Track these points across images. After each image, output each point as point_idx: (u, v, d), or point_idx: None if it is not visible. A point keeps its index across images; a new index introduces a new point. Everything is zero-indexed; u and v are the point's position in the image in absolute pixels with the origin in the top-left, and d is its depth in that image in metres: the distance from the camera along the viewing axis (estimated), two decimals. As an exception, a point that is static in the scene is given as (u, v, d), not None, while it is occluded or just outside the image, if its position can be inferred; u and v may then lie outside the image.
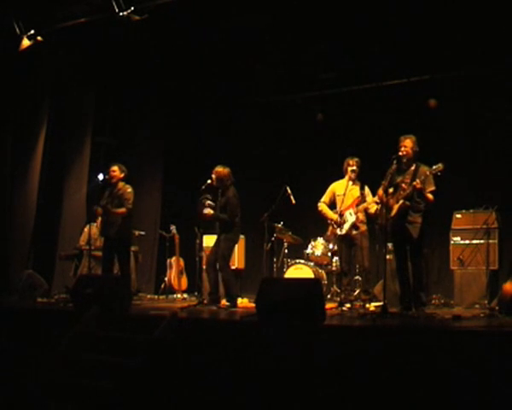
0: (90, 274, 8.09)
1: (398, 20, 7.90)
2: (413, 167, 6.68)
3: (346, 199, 7.86)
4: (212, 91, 10.26)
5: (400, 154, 6.66)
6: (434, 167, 6.42)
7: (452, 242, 8.16)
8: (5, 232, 9.35)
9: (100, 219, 8.33)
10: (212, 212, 7.67)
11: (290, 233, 9.16)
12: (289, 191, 8.66)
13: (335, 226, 7.88)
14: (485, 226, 7.67)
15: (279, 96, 10.37)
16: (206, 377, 5.69)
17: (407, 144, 6.71)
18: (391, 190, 6.71)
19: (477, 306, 7.60)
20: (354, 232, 7.85)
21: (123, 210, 7.82)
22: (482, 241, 7.77)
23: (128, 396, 5.52)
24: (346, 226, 7.81)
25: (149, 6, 7.54)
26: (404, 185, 6.60)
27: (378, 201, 7.09)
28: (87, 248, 8.51)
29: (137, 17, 7.52)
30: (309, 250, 8.92)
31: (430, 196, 6.57)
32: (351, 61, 9.13)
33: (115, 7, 7.49)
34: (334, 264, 8.70)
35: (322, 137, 10.13)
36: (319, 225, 8.92)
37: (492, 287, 7.65)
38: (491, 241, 7.67)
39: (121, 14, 7.47)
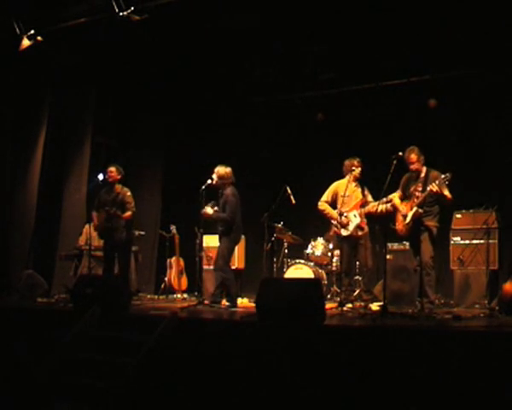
0: (90, 274, 8.08)
1: (398, 20, 7.90)
2: (423, 173, 6.95)
3: (348, 200, 7.86)
4: (212, 91, 10.25)
5: (414, 168, 6.94)
6: (443, 177, 6.64)
7: (452, 242, 8.15)
8: (5, 232, 9.35)
9: (96, 222, 8.25)
10: (210, 211, 7.67)
11: (290, 233, 9.15)
12: (289, 191, 8.65)
13: (339, 227, 7.85)
14: (485, 226, 7.67)
15: (279, 96, 10.36)
16: (205, 377, 5.70)
17: (414, 158, 6.93)
18: (397, 193, 7.13)
19: (477, 306, 7.59)
20: (360, 233, 7.84)
21: (129, 214, 7.98)
22: (482, 241, 7.76)
23: (128, 396, 5.52)
24: (351, 228, 7.80)
25: (149, 6, 7.54)
26: (417, 193, 6.85)
27: (386, 200, 7.20)
28: (87, 248, 8.51)
29: (137, 17, 7.53)
30: (309, 250, 8.91)
31: (448, 194, 6.75)
32: (351, 61, 9.13)
33: (115, 7, 7.49)
34: (334, 264, 8.70)
35: (322, 137, 10.13)
36: (319, 225, 8.92)
37: (492, 287, 7.65)
38: (491, 241, 7.66)
39: (121, 14, 7.47)
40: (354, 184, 7.96)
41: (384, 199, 7.17)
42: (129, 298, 7.68)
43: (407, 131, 8.89)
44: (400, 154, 6.81)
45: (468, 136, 8.97)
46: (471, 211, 8.10)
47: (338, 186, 8.08)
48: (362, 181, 8.05)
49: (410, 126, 9.01)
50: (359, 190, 8.00)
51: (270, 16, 8.00)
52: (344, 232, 7.80)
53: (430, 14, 7.65)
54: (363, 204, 7.87)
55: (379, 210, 7.46)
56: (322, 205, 8.11)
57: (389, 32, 8.14)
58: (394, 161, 6.75)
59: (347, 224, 7.81)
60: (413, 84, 9.15)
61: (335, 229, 7.94)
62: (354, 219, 7.82)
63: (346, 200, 7.87)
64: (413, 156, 6.90)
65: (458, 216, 8.16)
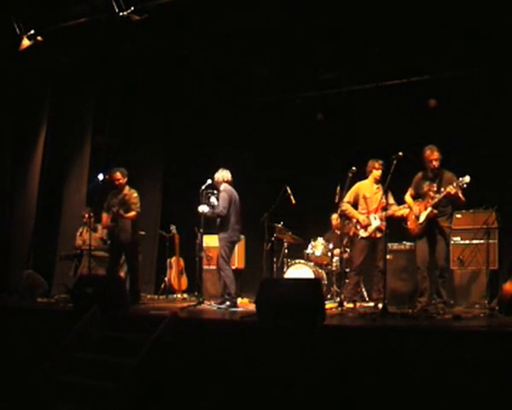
0: (90, 274, 8.09)
1: (398, 20, 7.89)
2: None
3: (370, 202, 7.82)
4: (212, 91, 10.26)
5: (436, 165, 6.93)
6: (461, 180, 6.67)
7: (452, 242, 8.12)
8: (5, 232, 9.35)
9: (104, 223, 8.27)
10: (205, 209, 7.78)
11: (290, 233, 9.16)
12: (289, 191, 8.64)
13: (359, 228, 7.83)
14: (485, 226, 7.67)
15: (279, 96, 10.36)
16: (205, 377, 5.70)
17: (437, 156, 6.93)
18: (409, 191, 7.17)
19: (477, 306, 7.60)
20: (378, 235, 7.78)
21: (133, 214, 7.96)
22: (482, 241, 7.76)
23: (128, 396, 5.52)
24: (370, 229, 7.73)
25: (149, 6, 7.54)
26: (431, 194, 6.85)
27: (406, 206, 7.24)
28: (87, 248, 8.52)
29: (137, 17, 7.53)
30: (309, 250, 8.92)
31: (462, 197, 6.78)
32: (351, 61, 9.13)
33: (115, 7, 7.49)
34: (334, 264, 8.69)
35: (322, 137, 10.13)
36: (319, 225, 8.92)
37: (492, 287, 7.65)
38: (491, 241, 7.66)
39: (121, 14, 7.47)
40: (376, 186, 7.88)
41: (406, 205, 7.21)
42: (137, 298, 7.90)
43: (407, 131, 8.88)
44: (400, 154, 6.78)
45: (468, 136, 8.96)
46: (471, 211, 8.10)
47: (360, 187, 7.92)
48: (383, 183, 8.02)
49: (410, 126, 9.00)
50: (381, 192, 7.92)
51: (270, 16, 7.99)
52: (362, 233, 7.75)
53: (430, 14, 7.64)
54: (384, 207, 7.81)
55: (399, 214, 7.44)
56: (345, 205, 7.97)
57: (389, 32, 8.13)
58: (394, 161, 6.74)
59: (368, 225, 7.76)
60: (413, 84, 9.15)
61: (355, 230, 7.88)
62: (374, 221, 7.75)
63: (368, 201, 7.82)
64: (436, 153, 6.91)
65: (458, 216, 8.15)
